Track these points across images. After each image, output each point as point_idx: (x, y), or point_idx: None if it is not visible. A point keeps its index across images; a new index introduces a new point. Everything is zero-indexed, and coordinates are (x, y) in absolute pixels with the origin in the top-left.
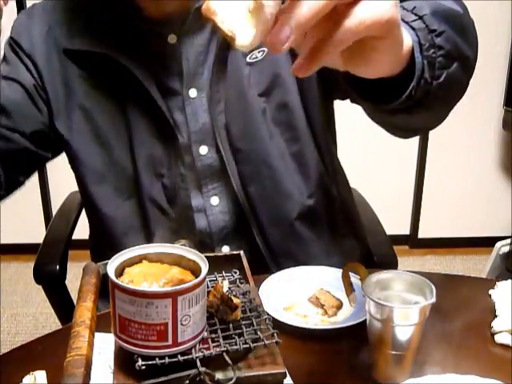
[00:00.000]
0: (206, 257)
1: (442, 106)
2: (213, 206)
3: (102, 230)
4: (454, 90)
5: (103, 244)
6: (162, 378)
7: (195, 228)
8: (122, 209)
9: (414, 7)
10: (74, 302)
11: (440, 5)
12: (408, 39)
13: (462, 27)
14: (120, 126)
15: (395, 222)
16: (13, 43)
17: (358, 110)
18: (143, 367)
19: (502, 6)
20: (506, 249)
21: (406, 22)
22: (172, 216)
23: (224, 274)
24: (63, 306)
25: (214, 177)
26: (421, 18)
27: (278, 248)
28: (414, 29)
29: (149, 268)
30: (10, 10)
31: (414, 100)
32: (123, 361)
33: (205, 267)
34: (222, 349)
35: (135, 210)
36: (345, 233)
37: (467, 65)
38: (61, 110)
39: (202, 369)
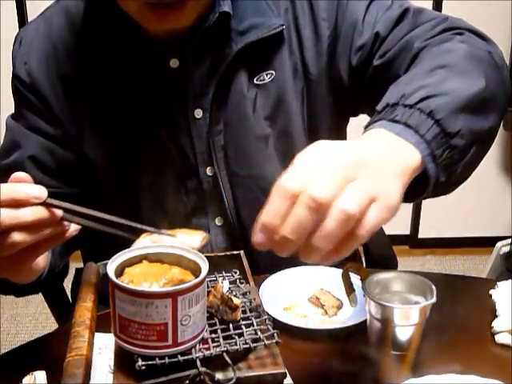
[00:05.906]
0: (206, 257)
1: (467, 175)
2: (217, 225)
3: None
4: (477, 162)
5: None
6: (162, 378)
7: None
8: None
9: (431, 111)
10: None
11: (461, 91)
12: (415, 157)
13: (482, 104)
14: (125, 152)
15: (395, 222)
16: (15, 80)
17: None
18: (143, 367)
19: (502, 5)
20: (507, 249)
21: (421, 136)
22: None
23: (224, 274)
24: (61, 307)
25: (220, 197)
26: (437, 121)
27: (265, 273)
28: (427, 141)
29: (149, 268)
30: (10, 10)
31: (432, 194)
32: (123, 361)
33: (205, 267)
34: (222, 349)
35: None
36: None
37: (487, 137)
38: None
39: (202, 369)
